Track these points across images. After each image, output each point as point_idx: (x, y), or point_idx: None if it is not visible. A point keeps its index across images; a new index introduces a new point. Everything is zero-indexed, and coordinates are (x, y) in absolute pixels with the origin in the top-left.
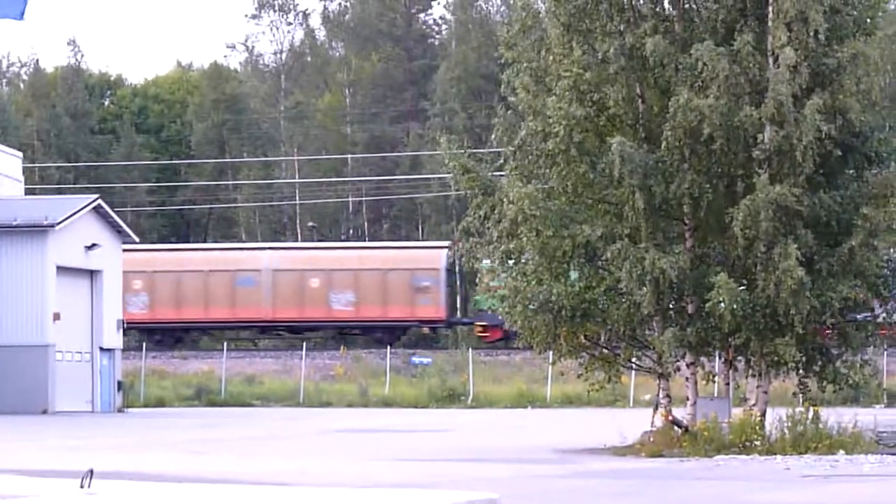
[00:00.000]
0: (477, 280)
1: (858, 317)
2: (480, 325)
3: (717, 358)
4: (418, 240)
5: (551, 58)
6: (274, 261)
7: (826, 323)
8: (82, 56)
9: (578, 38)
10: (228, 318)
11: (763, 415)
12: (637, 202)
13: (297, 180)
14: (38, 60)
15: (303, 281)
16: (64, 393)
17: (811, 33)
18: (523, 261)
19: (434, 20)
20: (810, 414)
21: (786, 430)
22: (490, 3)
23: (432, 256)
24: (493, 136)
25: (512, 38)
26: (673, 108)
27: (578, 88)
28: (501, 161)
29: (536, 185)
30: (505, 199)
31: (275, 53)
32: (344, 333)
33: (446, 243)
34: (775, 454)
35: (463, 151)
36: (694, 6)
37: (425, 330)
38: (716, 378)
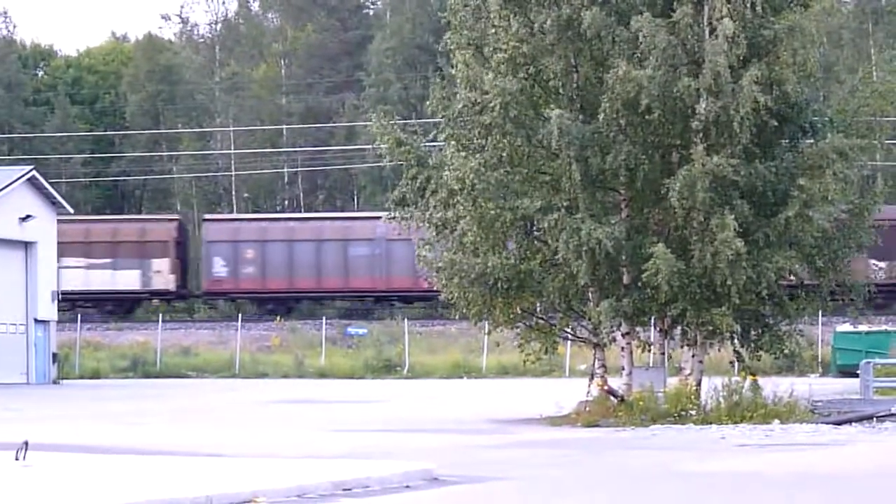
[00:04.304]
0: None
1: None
2: None
3: (652, 328)
4: (353, 210)
5: (492, 30)
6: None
7: (763, 294)
8: (15, 27)
9: (516, 10)
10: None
11: (698, 384)
12: (574, 174)
13: (232, 151)
14: None
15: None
16: None
17: (748, 4)
18: (458, 232)
19: None
20: (746, 383)
21: (721, 400)
22: None
23: None
24: (426, 106)
25: (455, 4)
26: (611, 80)
27: (515, 61)
28: (436, 132)
29: (478, 158)
30: (446, 169)
31: (209, 24)
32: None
33: None
34: (711, 423)
35: (394, 123)
36: None
37: None
38: (651, 348)
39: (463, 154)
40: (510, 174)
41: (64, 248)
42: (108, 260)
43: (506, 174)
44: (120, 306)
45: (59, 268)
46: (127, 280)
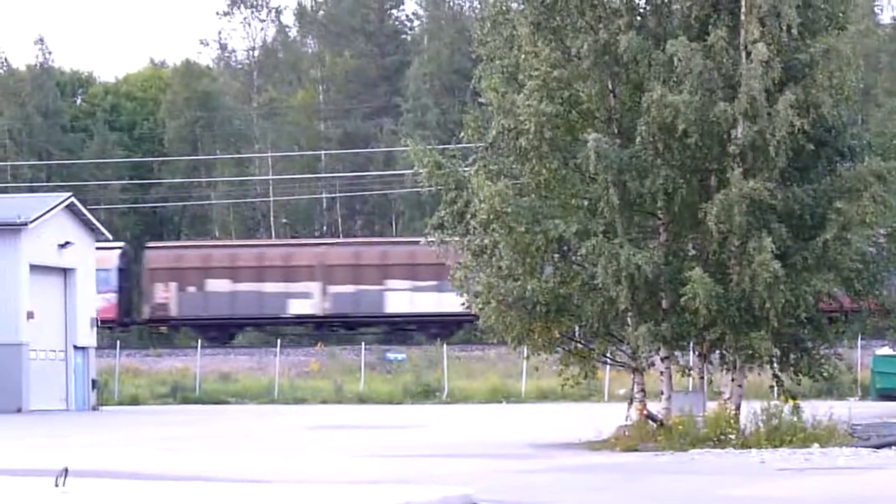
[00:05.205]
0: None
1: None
2: None
3: (691, 352)
4: (391, 236)
5: (522, 56)
6: None
7: (801, 317)
8: (50, 54)
9: (547, 36)
10: None
11: (738, 408)
12: (612, 198)
13: (270, 177)
14: (6, 59)
15: None
16: (38, 391)
17: (784, 28)
18: (496, 257)
19: (406, 16)
20: (786, 407)
21: (760, 424)
22: None
23: None
24: (462, 135)
25: (484, 35)
26: (646, 103)
27: (548, 86)
28: (472, 158)
29: (507, 182)
30: (476, 199)
31: (247, 50)
32: None
33: None
34: (750, 448)
35: (432, 148)
36: (667, 1)
37: None
38: (690, 372)
39: (489, 182)
40: (546, 198)
41: (389, 271)
42: (433, 283)
43: (539, 198)
44: (444, 328)
45: (383, 290)
46: (452, 302)
